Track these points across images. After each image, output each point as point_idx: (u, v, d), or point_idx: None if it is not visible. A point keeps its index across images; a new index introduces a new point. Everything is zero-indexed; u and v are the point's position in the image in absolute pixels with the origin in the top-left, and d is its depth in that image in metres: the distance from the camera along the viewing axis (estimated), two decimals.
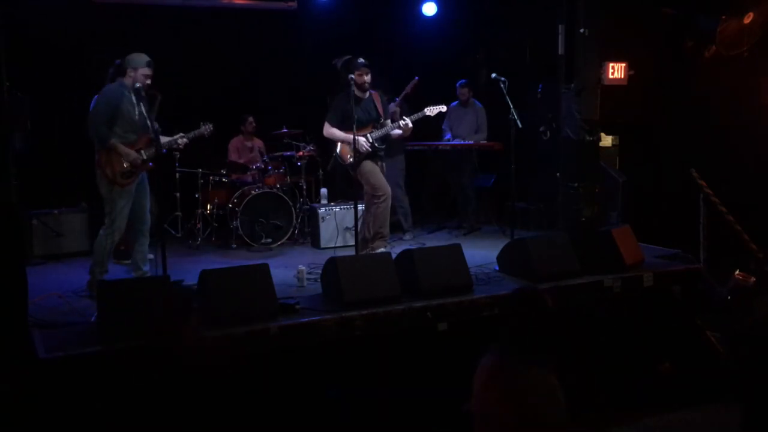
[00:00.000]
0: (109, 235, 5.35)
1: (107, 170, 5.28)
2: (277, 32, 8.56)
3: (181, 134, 5.75)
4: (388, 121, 6.36)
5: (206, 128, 5.90)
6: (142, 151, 5.38)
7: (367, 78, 6.21)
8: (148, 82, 5.35)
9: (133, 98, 5.37)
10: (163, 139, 5.64)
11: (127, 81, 5.36)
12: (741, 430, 3.03)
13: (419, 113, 6.40)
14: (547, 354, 2.47)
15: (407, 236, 7.51)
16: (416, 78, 7.66)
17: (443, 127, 8.31)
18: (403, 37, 8.95)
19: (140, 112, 5.40)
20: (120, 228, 5.38)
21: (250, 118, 8.28)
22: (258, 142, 8.37)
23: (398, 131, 6.31)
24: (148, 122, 5.40)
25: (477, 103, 8.28)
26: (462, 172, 8.15)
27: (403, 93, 7.74)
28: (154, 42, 7.56)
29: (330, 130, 6.36)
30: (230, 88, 8.48)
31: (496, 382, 2.35)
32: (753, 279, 5.10)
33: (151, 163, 5.47)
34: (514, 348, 2.43)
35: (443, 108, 6.49)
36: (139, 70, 5.31)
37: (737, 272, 5.39)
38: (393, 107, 7.24)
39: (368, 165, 6.27)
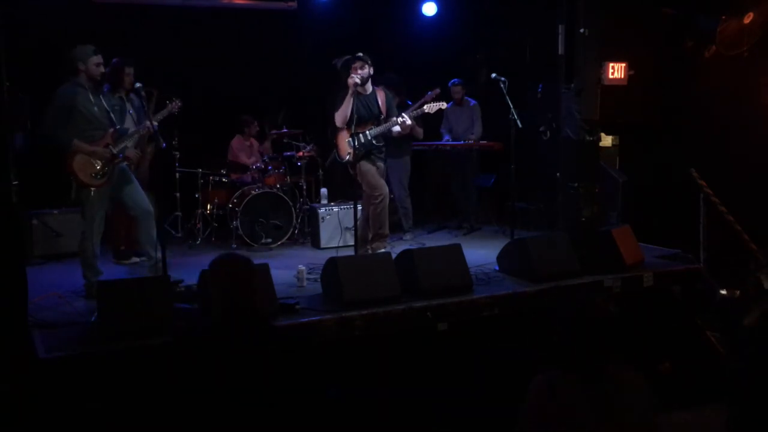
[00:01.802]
0: (89, 238, 5.29)
1: (80, 175, 5.19)
2: (277, 32, 8.56)
3: (146, 121, 5.52)
4: (398, 118, 6.31)
5: (174, 105, 5.76)
6: (110, 147, 5.28)
7: (363, 71, 6.17)
8: (102, 70, 5.20)
9: (90, 95, 5.22)
10: (133, 129, 5.57)
11: (81, 78, 5.22)
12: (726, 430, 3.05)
13: (418, 110, 6.38)
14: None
15: (407, 236, 7.51)
16: (437, 90, 7.45)
17: (441, 129, 8.31)
18: (403, 37, 8.95)
19: (100, 107, 5.27)
20: (98, 229, 5.33)
21: (255, 122, 8.30)
22: (253, 141, 8.40)
23: (397, 128, 6.26)
24: (112, 116, 5.33)
25: (470, 100, 8.28)
26: (464, 171, 8.15)
27: (420, 102, 7.53)
28: (154, 42, 7.59)
29: (337, 117, 6.28)
30: (230, 88, 8.48)
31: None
32: (738, 292, 5.15)
33: (121, 155, 5.36)
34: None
35: (443, 105, 6.46)
36: (89, 62, 5.16)
37: (719, 291, 5.47)
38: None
39: (365, 165, 6.26)
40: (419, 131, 7.63)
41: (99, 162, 5.23)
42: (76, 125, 5.19)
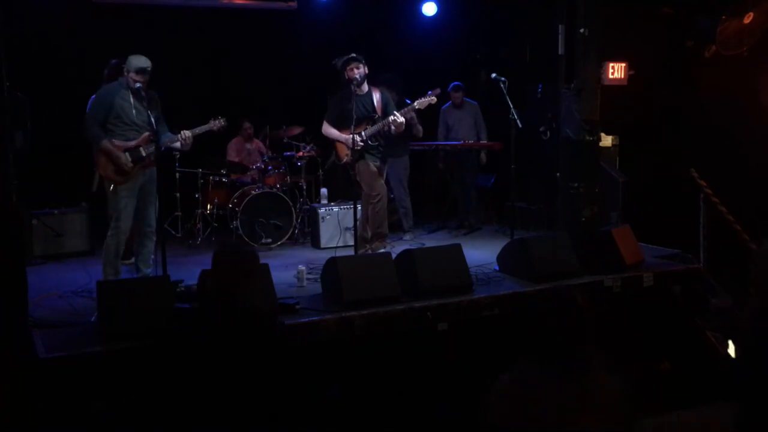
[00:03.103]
0: (114, 235, 5.33)
1: (104, 170, 5.30)
2: (277, 32, 8.56)
3: (183, 131, 5.58)
4: (390, 117, 6.29)
5: (216, 123, 5.81)
6: (141, 149, 5.35)
7: (358, 72, 6.16)
8: (136, 86, 5.29)
9: (131, 97, 5.34)
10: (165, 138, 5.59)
11: (124, 80, 5.35)
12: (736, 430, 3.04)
13: (408, 107, 6.37)
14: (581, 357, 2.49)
15: (407, 236, 7.51)
16: (438, 90, 7.36)
17: (440, 130, 8.30)
18: (403, 37, 8.95)
19: (140, 110, 5.36)
20: (124, 228, 5.36)
21: (246, 124, 8.28)
22: (258, 144, 8.38)
23: (392, 128, 6.23)
24: (152, 119, 5.39)
25: (470, 101, 8.28)
26: (466, 170, 8.15)
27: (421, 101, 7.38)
28: (154, 42, 7.57)
29: (326, 129, 6.41)
30: (230, 88, 8.48)
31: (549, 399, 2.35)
32: (729, 301, 5.17)
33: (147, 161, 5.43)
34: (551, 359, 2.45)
35: (433, 100, 6.40)
36: (130, 74, 5.28)
37: (712, 300, 5.48)
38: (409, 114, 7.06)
39: (363, 164, 6.27)
40: (419, 129, 7.62)
41: (116, 167, 5.30)
42: (113, 123, 5.31)
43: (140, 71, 5.28)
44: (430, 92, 6.79)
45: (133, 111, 5.35)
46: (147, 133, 5.37)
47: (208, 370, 2.77)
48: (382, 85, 6.64)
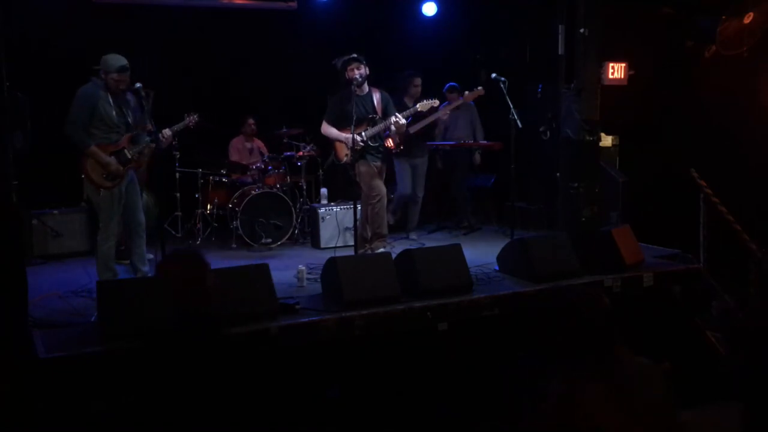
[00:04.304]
0: (105, 239, 5.34)
1: (92, 175, 5.27)
2: (277, 32, 8.56)
3: (164, 129, 5.60)
4: (391, 118, 6.29)
5: (191, 119, 5.80)
6: (126, 150, 5.35)
7: (359, 72, 6.17)
8: (121, 87, 5.27)
9: (110, 98, 5.29)
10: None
11: (100, 81, 5.30)
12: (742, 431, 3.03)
13: (411, 109, 6.36)
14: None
15: (413, 235, 7.50)
16: (446, 107, 7.30)
17: (438, 130, 8.31)
18: (403, 37, 8.94)
19: (119, 111, 5.33)
20: (114, 231, 5.37)
21: (250, 120, 8.28)
22: (258, 143, 8.38)
23: (393, 128, 6.24)
24: (129, 120, 5.37)
25: (469, 102, 8.27)
26: (463, 171, 8.15)
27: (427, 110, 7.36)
28: (154, 42, 7.60)
29: (326, 129, 6.41)
30: (230, 88, 8.48)
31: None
32: (731, 302, 5.18)
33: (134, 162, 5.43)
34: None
35: (435, 102, 6.40)
36: (109, 74, 5.24)
37: (714, 302, 5.48)
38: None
39: (363, 165, 6.27)
40: (436, 133, 7.72)
41: (106, 173, 5.29)
42: (96, 126, 5.27)
43: (121, 69, 5.22)
44: (443, 104, 6.71)
45: (113, 113, 5.31)
46: (128, 135, 5.37)
47: (208, 370, 2.77)
48: (406, 81, 6.63)
